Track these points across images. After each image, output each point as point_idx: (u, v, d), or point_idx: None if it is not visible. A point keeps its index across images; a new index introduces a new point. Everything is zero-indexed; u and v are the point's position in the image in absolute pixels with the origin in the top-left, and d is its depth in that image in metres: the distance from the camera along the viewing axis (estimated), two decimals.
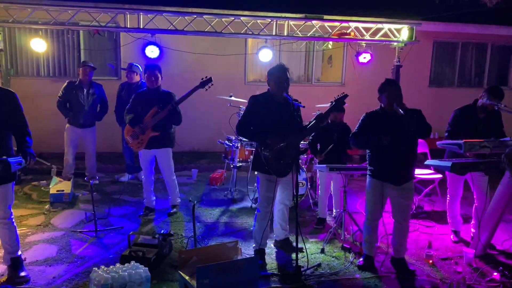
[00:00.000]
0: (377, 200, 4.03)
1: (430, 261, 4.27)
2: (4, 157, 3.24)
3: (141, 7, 6.32)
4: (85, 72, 6.19)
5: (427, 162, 4.30)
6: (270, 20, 6.63)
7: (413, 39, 6.94)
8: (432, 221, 5.48)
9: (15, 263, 3.70)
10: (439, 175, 5.91)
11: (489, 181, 4.35)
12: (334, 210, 5.37)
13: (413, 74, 9.04)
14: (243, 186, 6.45)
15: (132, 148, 5.23)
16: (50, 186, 5.82)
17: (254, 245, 4.29)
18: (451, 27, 8.90)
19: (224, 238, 4.75)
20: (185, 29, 6.44)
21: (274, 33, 6.67)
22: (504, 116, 4.52)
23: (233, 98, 6.37)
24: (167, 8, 6.43)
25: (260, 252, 4.20)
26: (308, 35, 6.90)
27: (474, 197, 4.62)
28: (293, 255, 4.07)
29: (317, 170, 5.60)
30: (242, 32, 6.72)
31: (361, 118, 4.07)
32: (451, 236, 4.92)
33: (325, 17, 6.84)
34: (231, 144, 6.19)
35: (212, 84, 5.06)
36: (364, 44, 6.99)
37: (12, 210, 3.67)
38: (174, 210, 5.46)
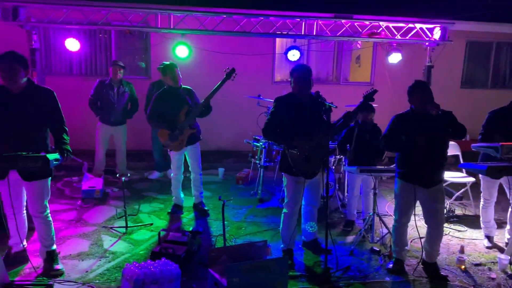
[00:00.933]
0: (407, 203, 3.96)
1: (463, 267, 4.16)
2: (43, 153, 3.34)
3: (172, 7, 6.41)
4: (115, 71, 6.32)
5: (460, 165, 4.20)
6: (299, 19, 6.61)
7: (446, 39, 6.79)
8: (463, 225, 5.35)
9: (51, 257, 3.81)
10: (472, 179, 5.77)
11: None
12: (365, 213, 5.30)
13: (445, 75, 8.83)
14: (270, 186, 6.45)
15: (173, 150, 5.14)
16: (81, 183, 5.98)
17: (282, 245, 4.29)
18: (485, 27, 8.64)
19: (251, 237, 4.77)
20: (214, 29, 6.49)
21: (303, 33, 6.65)
22: None
23: (261, 97, 6.38)
24: (197, 9, 6.50)
25: (288, 253, 4.20)
26: (337, 34, 6.84)
27: (510, 202, 4.48)
28: (316, 256, 4.05)
29: (346, 172, 5.55)
30: (270, 32, 6.72)
31: (391, 120, 4.00)
32: (484, 242, 4.79)
33: (355, 16, 6.77)
34: (258, 144, 6.20)
35: (236, 74, 4.98)
36: (395, 44, 6.89)
37: (48, 205, 3.78)
38: (204, 207, 5.50)
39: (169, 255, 3.86)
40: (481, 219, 4.84)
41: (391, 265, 4.09)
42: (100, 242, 4.52)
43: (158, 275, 3.36)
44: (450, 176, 5.90)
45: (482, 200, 4.76)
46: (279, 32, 6.67)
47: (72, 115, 7.46)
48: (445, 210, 5.44)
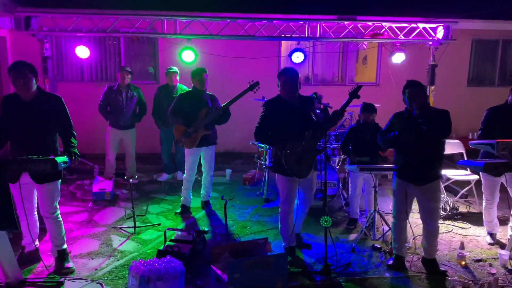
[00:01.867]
0: (402, 200, 4.04)
1: (463, 263, 4.21)
2: (52, 156, 3.51)
3: (177, 13, 6.59)
4: (123, 77, 6.49)
5: (458, 162, 4.26)
6: (302, 22, 6.72)
7: (449, 38, 6.82)
8: (467, 222, 5.38)
9: (62, 255, 3.99)
10: (476, 176, 5.78)
11: None
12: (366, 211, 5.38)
13: (451, 73, 8.84)
14: (275, 186, 6.53)
15: (185, 146, 5.43)
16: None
17: (283, 243, 4.40)
18: (490, 25, 8.64)
19: (256, 236, 4.88)
20: (219, 34, 6.64)
21: (306, 35, 6.75)
22: None
23: (265, 100, 6.49)
24: (202, 14, 6.66)
25: (290, 250, 4.31)
26: (340, 36, 6.93)
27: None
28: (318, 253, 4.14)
29: (349, 171, 5.62)
30: (274, 35, 6.84)
31: (389, 118, 4.12)
32: (487, 238, 4.82)
33: (358, 17, 6.85)
34: (263, 145, 6.31)
35: (259, 88, 5.24)
36: (398, 44, 6.95)
37: (58, 206, 3.96)
38: (211, 207, 5.71)
39: (174, 253, 3.99)
40: (484, 218, 4.86)
41: (391, 262, 4.17)
42: (110, 242, 4.68)
43: (163, 272, 3.50)
44: (454, 173, 5.94)
45: (484, 200, 4.77)
46: (283, 35, 6.79)
47: (83, 120, 7.76)
48: (448, 207, 5.50)
